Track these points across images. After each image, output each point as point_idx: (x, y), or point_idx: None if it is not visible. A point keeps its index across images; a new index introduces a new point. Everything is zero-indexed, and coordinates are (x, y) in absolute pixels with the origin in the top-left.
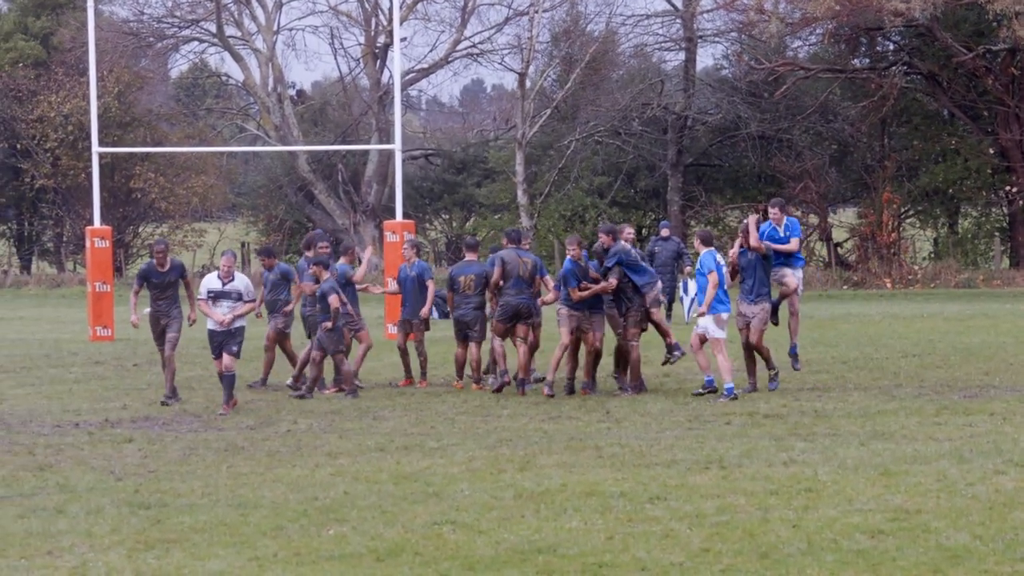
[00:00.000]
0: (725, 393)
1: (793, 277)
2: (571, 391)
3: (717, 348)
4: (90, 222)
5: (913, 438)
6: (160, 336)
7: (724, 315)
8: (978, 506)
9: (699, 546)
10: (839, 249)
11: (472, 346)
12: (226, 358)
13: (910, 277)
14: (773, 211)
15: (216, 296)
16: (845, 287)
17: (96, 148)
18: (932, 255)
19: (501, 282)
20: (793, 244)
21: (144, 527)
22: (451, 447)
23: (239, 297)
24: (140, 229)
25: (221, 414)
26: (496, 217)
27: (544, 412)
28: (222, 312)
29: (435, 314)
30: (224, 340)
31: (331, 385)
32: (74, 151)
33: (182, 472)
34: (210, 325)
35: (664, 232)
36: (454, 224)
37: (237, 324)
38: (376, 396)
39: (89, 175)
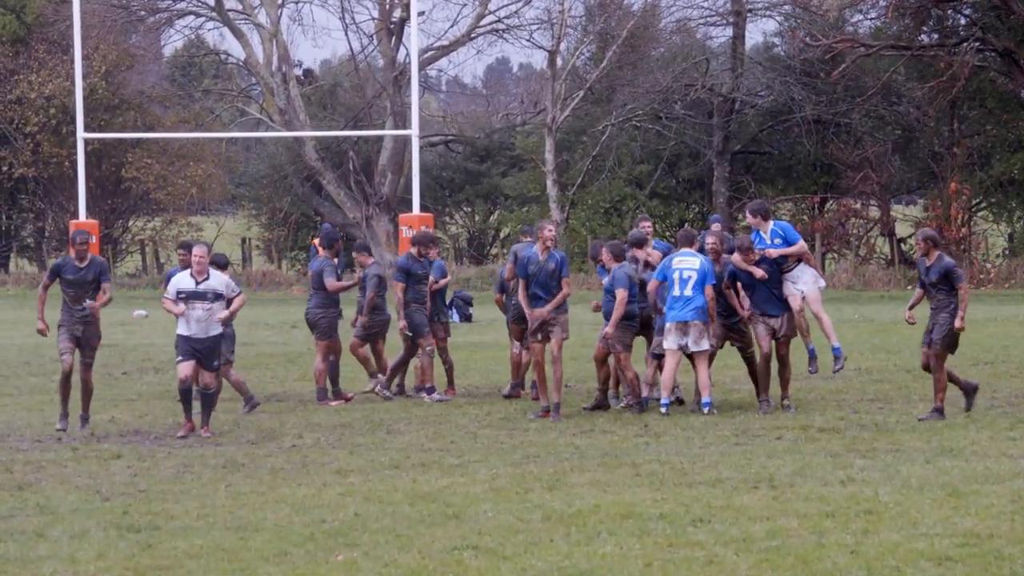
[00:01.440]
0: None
1: (796, 297)
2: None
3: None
4: (75, 215)
5: (984, 455)
6: (72, 340)
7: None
8: None
9: (747, 573)
10: (903, 245)
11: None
12: (206, 375)
13: (982, 276)
14: (752, 219)
15: (188, 297)
16: (909, 287)
17: (81, 133)
18: (1007, 252)
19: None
20: (799, 246)
21: (133, 552)
22: (473, 464)
23: (216, 297)
24: (130, 223)
25: (205, 435)
26: (523, 210)
27: (575, 425)
28: (195, 317)
29: (455, 317)
30: (204, 352)
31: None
32: (57, 137)
33: (175, 492)
34: (182, 330)
35: (715, 227)
36: (476, 218)
37: (214, 332)
38: (390, 408)
39: (73, 163)
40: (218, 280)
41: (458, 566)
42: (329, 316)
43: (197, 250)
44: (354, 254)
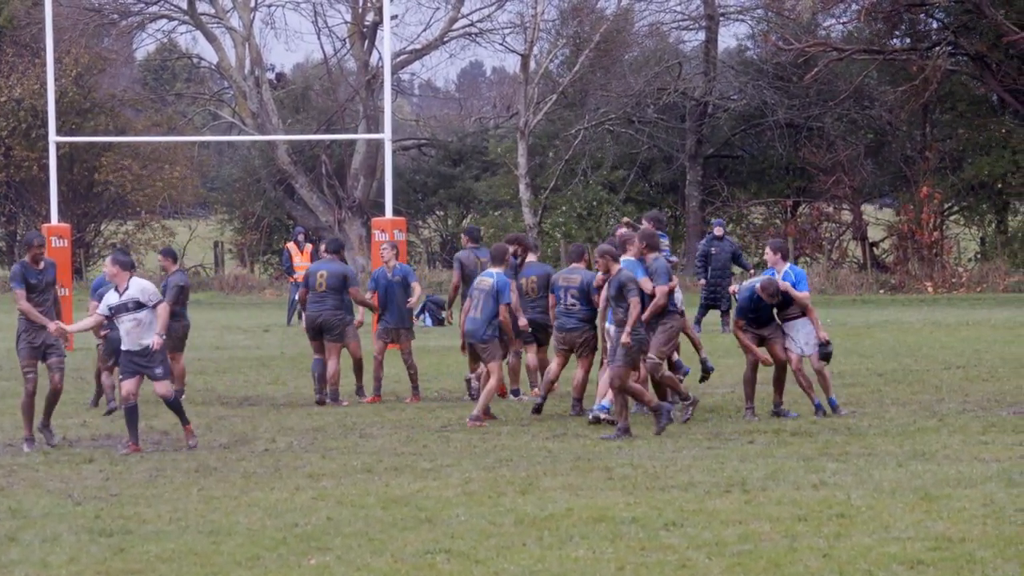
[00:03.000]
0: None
1: (795, 357)
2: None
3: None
4: (47, 219)
5: (957, 459)
6: (35, 355)
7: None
8: None
9: None
10: (875, 249)
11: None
12: (159, 386)
13: (954, 280)
14: (772, 255)
15: (116, 311)
16: (882, 291)
17: (53, 137)
18: (978, 256)
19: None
20: (805, 296)
21: (106, 556)
22: (445, 468)
23: (138, 306)
24: (102, 227)
25: (191, 446)
26: (496, 214)
27: (548, 429)
28: (124, 330)
29: (428, 321)
30: (143, 364)
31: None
32: (28, 140)
33: (148, 496)
34: (123, 345)
35: (718, 231)
36: (449, 222)
37: (146, 341)
38: (363, 412)
39: (45, 167)
40: (136, 288)
41: (430, 570)
42: (346, 320)
43: (108, 264)
44: (159, 258)
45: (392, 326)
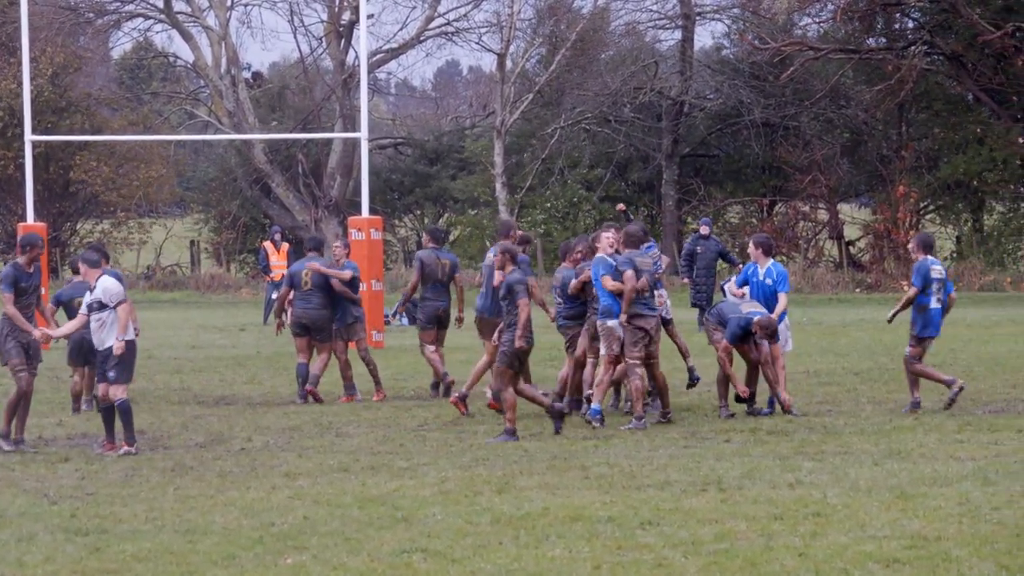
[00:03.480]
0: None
1: (764, 347)
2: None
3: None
4: (23, 218)
5: (932, 457)
6: (24, 354)
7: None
8: (1004, 533)
9: None
10: (851, 248)
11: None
12: (108, 388)
13: None
14: (755, 250)
15: (88, 310)
16: (858, 290)
17: (29, 136)
18: (954, 255)
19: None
20: (784, 300)
21: (81, 556)
22: (422, 467)
23: (100, 306)
24: (78, 226)
25: (96, 453)
26: (473, 213)
27: (525, 429)
28: (92, 329)
29: (403, 320)
30: (101, 364)
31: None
32: (3, 139)
33: (124, 495)
34: (95, 344)
35: (704, 230)
36: (426, 220)
37: (109, 343)
38: (339, 411)
39: (21, 166)
40: (100, 288)
41: (407, 569)
42: (333, 318)
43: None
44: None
45: (346, 323)
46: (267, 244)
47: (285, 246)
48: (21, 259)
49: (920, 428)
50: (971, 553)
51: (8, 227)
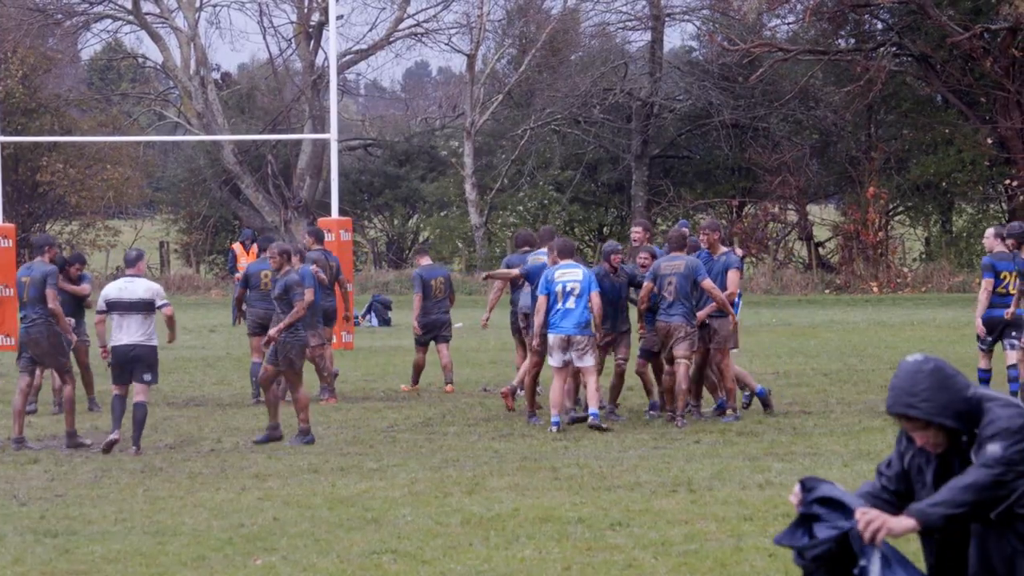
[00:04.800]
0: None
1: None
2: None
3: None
4: None
5: None
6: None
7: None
8: None
9: None
10: (820, 249)
11: (443, 347)
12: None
13: (899, 280)
14: (712, 234)
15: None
16: (827, 291)
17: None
18: (923, 256)
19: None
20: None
21: (51, 557)
22: (392, 468)
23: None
24: (48, 227)
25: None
26: (442, 214)
27: (494, 430)
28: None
29: (373, 321)
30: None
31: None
32: None
33: (93, 496)
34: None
35: (684, 230)
36: (395, 222)
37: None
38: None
39: None
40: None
41: (377, 570)
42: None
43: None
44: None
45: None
46: (236, 246)
47: (254, 247)
48: (45, 258)
49: (890, 429)
50: None
51: None
